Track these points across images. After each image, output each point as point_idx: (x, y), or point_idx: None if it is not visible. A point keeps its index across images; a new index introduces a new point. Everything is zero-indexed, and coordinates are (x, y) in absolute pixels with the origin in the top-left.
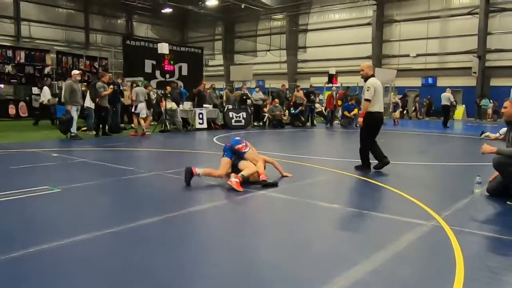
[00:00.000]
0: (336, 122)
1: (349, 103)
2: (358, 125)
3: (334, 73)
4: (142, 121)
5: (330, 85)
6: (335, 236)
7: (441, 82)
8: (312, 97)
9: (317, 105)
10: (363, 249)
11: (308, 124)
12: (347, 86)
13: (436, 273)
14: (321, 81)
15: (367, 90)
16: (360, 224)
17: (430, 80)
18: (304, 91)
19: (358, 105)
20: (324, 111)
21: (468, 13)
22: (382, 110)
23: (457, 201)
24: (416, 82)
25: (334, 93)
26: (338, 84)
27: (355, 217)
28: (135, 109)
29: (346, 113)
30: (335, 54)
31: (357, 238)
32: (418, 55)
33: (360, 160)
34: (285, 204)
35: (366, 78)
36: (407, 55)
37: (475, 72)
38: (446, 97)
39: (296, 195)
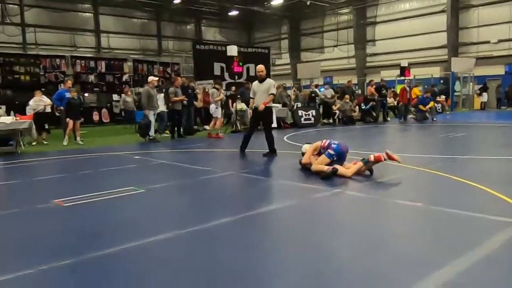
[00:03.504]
0: (410, 116)
1: (424, 96)
2: (435, 119)
3: (407, 65)
4: (215, 123)
5: (403, 78)
6: (420, 235)
7: None
8: (383, 92)
9: (389, 99)
10: (452, 249)
11: (381, 119)
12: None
13: None
14: (392, 74)
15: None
16: (446, 223)
17: None
18: (375, 85)
19: (434, 98)
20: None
21: None
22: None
23: None
24: (499, 70)
25: (407, 86)
26: (411, 77)
27: (440, 215)
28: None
29: (421, 106)
30: (406, 46)
31: (444, 238)
32: (500, 41)
33: None
34: (365, 202)
35: (263, 79)
36: (487, 42)
37: None
38: None
39: (375, 194)
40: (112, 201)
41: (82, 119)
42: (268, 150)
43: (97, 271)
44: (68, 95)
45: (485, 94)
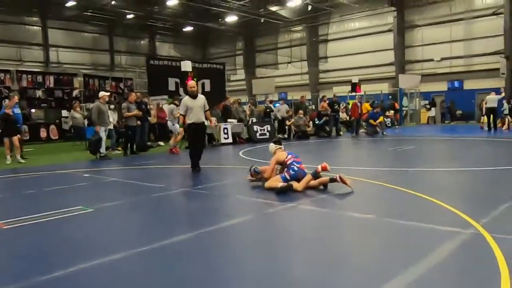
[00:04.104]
0: (361, 130)
1: (374, 111)
2: (384, 133)
3: (357, 81)
4: (174, 138)
5: (354, 93)
6: (371, 247)
7: (468, 85)
8: (336, 107)
9: (341, 114)
10: (402, 260)
11: (334, 134)
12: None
13: (479, 284)
14: (344, 90)
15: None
16: (397, 234)
17: (456, 84)
18: (328, 101)
19: (383, 113)
20: (349, 120)
21: (493, 14)
22: (197, 121)
23: (495, 207)
24: (442, 86)
25: (358, 101)
26: (362, 92)
27: (390, 227)
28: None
29: (371, 121)
30: (357, 63)
31: (395, 249)
32: (442, 59)
33: None
34: (318, 216)
35: (196, 95)
36: (431, 60)
37: (503, 73)
38: (493, 100)
39: (327, 207)
40: (58, 222)
41: (26, 136)
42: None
43: None
44: (16, 110)
45: (433, 109)
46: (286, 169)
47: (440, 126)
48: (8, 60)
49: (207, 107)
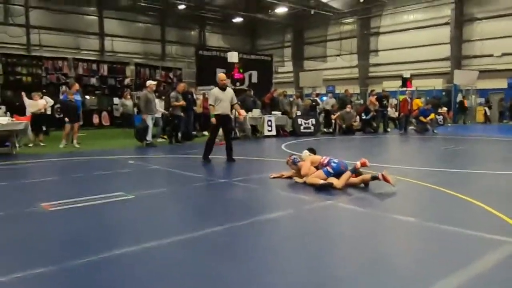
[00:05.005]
0: (411, 127)
1: (425, 107)
2: (435, 131)
3: (409, 76)
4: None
5: (404, 89)
6: (411, 252)
7: None
8: (384, 102)
9: (390, 110)
10: (441, 267)
11: (381, 130)
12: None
13: None
14: (394, 85)
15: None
16: (438, 239)
17: None
18: (376, 95)
19: (435, 110)
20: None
21: None
22: (224, 113)
23: None
24: (501, 83)
25: (408, 97)
26: (413, 88)
27: (432, 232)
28: None
29: (421, 118)
30: (409, 57)
31: (435, 256)
32: (503, 54)
33: None
34: (358, 216)
35: (225, 88)
36: (491, 55)
37: None
38: None
39: (369, 207)
40: (99, 207)
41: (81, 122)
42: (227, 158)
43: (81, 279)
44: (77, 97)
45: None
46: (326, 165)
47: (497, 126)
48: (67, 48)
49: (235, 101)
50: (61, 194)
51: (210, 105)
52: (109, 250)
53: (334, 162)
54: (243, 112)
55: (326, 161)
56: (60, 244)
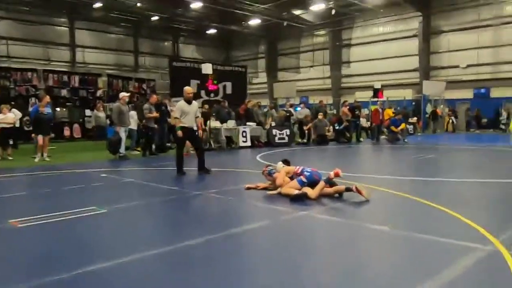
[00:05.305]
0: (382, 137)
1: (396, 118)
2: (406, 141)
3: (380, 87)
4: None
5: (376, 99)
6: (383, 260)
7: (495, 93)
8: (357, 112)
9: (362, 120)
10: (414, 275)
11: (354, 140)
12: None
13: None
14: (366, 95)
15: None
16: (410, 247)
17: (482, 91)
18: (349, 106)
19: (405, 119)
20: (370, 126)
21: None
22: (189, 126)
23: None
24: (468, 93)
25: (379, 107)
26: (384, 98)
27: (406, 240)
28: None
29: (393, 128)
30: (380, 68)
31: (407, 263)
32: (468, 66)
33: None
34: (333, 226)
35: (191, 101)
36: (457, 66)
37: None
38: None
39: (343, 217)
40: (70, 222)
41: (53, 134)
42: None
43: None
44: (47, 110)
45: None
46: (300, 174)
47: (464, 134)
48: (37, 60)
49: (199, 114)
50: (30, 210)
51: (175, 118)
52: (81, 266)
53: (307, 171)
54: (202, 126)
55: (299, 170)
56: (30, 262)
